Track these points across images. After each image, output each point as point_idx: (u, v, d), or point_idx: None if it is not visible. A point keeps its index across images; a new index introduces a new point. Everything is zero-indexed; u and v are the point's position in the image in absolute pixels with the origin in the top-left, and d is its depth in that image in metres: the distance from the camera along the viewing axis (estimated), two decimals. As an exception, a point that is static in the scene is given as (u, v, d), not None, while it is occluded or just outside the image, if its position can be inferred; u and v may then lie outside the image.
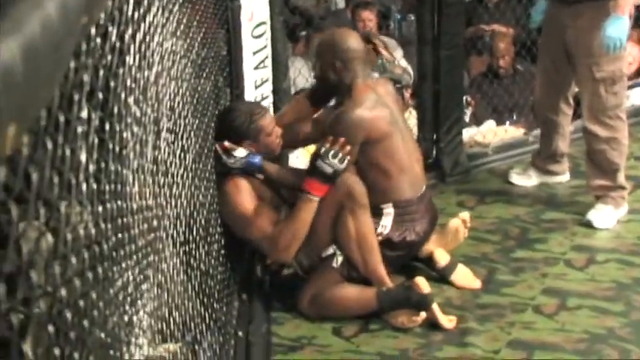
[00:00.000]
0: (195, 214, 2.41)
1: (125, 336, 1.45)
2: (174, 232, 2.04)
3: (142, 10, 1.58)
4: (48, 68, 0.78)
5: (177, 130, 2.14)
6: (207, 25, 2.97)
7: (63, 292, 1.00)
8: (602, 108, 3.65)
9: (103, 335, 1.25)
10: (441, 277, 3.32)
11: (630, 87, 4.67)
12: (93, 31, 1.10)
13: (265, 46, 3.59)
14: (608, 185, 3.74)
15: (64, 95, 0.97)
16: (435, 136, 4.27)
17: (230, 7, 3.44)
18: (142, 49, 1.59)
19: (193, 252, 2.31)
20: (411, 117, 4.39)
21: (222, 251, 2.97)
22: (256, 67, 3.58)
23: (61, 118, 0.95)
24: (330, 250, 3.14)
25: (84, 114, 1.08)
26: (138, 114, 1.57)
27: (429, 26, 4.14)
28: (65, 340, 1.04)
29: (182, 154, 2.19)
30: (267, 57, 3.60)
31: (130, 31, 1.45)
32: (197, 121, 2.57)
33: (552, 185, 4.12)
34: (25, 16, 0.77)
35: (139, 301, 1.57)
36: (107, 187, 1.29)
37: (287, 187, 3.21)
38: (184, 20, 2.36)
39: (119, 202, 1.37)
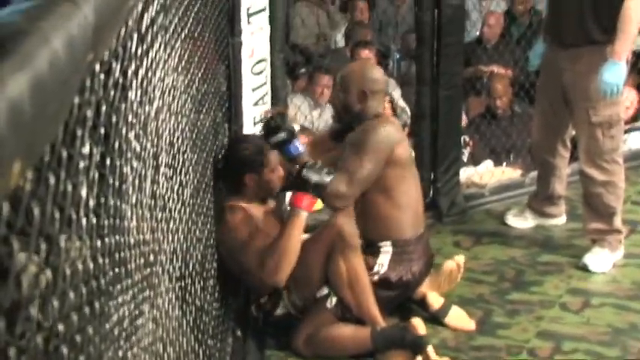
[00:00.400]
0: (191, 249, 2.40)
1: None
2: (171, 267, 2.04)
3: (144, 46, 1.59)
4: (55, 105, 0.79)
5: (176, 165, 2.14)
6: (208, 61, 2.99)
7: (60, 326, 1.00)
8: (599, 152, 3.66)
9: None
10: (435, 319, 3.30)
11: (627, 131, 4.69)
12: (97, 67, 1.11)
13: (265, 83, 3.61)
14: (605, 229, 3.74)
15: (68, 131, 0.97)
16: (432, 176, 4.28)
17: (231, 43, 3.46)
18: (144, 84, 1.60)
19: (189, 287, 2.31)
20: (409, 156, 4.40)
21: (218, 287, 2.96)
22: (255, 104, 3.60)
23: (64, 154, 0.95)
24: (325, 291, 3.13)
25: (86, 149, 1.08)
26: (138, 149, 1.57)
27: (428, 66, 4.17)
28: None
29: (180, 189, 2.19)
30: (266, 94, 3.62)
31: (132, 66, 1.46)
32: (196, 156, 2.57)
33: (549, 227, 4.12)
34: (33, 52, 0.78)
35: (134, 336, 1.56)
36: (106, 222, 1.29)
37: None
38: (186, 56, 2.37)
39: (117, 237, 1.37)
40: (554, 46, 3.76)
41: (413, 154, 4.21)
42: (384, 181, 3.18)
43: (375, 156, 3.12)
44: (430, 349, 2.99)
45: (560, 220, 4.15)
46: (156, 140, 1.82)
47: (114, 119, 1.30)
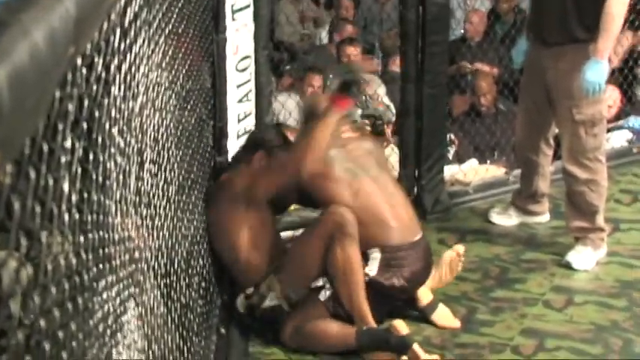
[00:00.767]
0: (177, 246, 2.40)
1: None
2: (156, 263, 2.03)
3: (128, 42, 1.58)
4: (34, 98, 0.78)
5: (161, 162, 2.13)
6: (192, 58, 2.98)
7: (42, 322, 0.99)
8: (582, 150, 3.67)
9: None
10: (421, 315, 3.31)
11: (610, 130, 4.72)
12: (79, 61, 1.11)
13: (249, 80, 3.61)
14: (587, 227, 3.75)
15: (49, 124, 0.96)
16: (416, 174, 4.28)
17: (215, 40, 3.45)
18: (128, 79, 1.59)
19: (174, 284, 2.30)
20: (393, 154, 4.40)
21: (203, 284, 2.95)
22: (240, 101, 3.59)
23: (45, 148, 0.94)
24: (320, 282, 3.12)
25: (68, 143, 1.07)
26: (122, 144, 1.56)
27: (413, 64, 4.17)
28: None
29: (165, 186, 2.19)
30: (250, 91, 3.62)
31: (115, 61, 1.45)
32: (181, 153, 2.56)
33: (532, 225, 4.13)
34: (13, 45, 0.77)
35: (119, 333, 1.55)
36: (89, 218, 1.28)
37: None
38: (170, 52, 2.37)
39: (101, 233, 1.36)
40: (537, 45, 3.77)
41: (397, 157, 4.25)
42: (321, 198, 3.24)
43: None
44: (416, 347, 2.99)
45: (544, 218, 4.16)
46: (140, 136, 1.81)
47: (97, 114, 1.29)
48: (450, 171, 4.57)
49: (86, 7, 0.99)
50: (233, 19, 3.49)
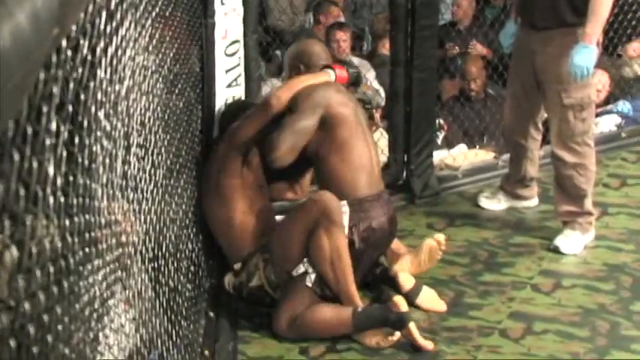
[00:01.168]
0: (165, 230, 2.39)
1: (90, 352, 1.43)
2: (143, 248, 2.03)
3: (114, 24, 1.57)
4: (17, 78, 0.77)
5: (148, 146, 2.13)
6: (180, 42, 2.97)
7: (26, 306, 0.99)
8: (570, 134, 3.68)
9: (67, 351, 1.23)
10: (407, 300, 3.31)
11: (598, 114, 4.72)
12: (64, 43, 1.10)
13: (238, 65, 3.59)
14: (576, 211, 3.76)
15: (33, 107, 0.96)
16: (405, 158, 4.28)
17: (204, 24, 3.43)
18: (114, 62, 1.59)
19: (162, 268, 2.30)
20: (382, 138, 4.40)
21: (192, 268, 2.95)
22: (229, 85, 3.57)
23: (29, 130, 0.94)
24: (302, 269, 3.12)
25: (52, 126, 1.07)
26: (108, 128, 1.56)
27: (402, 48, 4.17)
28: (27, 355, 1.03)
29: (152, 170, 2.18)
30: (239, 75, 3.60)
31: (101, 44, 1.44)
32: (168, 137, 2.56)
33: (521, 210, 4.14)
34: (-4, 26, 0.77)
35: (106, 317, 1.55)
36: (75, 201, 1.27)
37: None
38: (157, 35, 2.35)
39: (87, 216, 1.36)
40: (526, 29, 3.77)
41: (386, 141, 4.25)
42: (334, 142, 3.25)
43: (306, 114, 3.21)
44: (413, 326, 3.00)
45: (533, 203, 4.17)
46: (127, 120, 1.81)
47: (82, 97, 1.28)
48: (439, 155, 4.57)
49: (70, -12, 0.98)
50: (222, 3, 3.47)
